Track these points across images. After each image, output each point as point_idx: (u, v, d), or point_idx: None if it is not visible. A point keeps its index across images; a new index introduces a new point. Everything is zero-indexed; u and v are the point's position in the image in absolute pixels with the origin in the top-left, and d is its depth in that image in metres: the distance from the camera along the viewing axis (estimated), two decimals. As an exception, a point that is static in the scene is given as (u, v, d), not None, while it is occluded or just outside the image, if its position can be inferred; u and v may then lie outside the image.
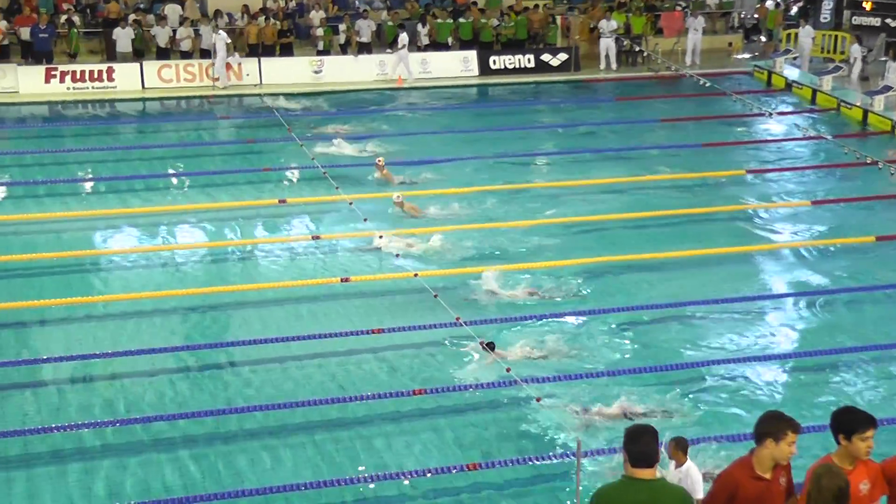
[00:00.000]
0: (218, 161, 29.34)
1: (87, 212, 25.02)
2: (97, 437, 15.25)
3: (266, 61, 38.40)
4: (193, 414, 15.78)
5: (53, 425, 15.41)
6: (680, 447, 12.42)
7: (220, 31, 37.01)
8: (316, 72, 38.68)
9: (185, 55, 38.36)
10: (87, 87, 36.74)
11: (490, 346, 17.21)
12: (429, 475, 14.23)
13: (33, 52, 37.18)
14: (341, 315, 19.45)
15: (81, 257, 22.26)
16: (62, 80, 36.61)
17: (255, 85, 37.70)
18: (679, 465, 12.36)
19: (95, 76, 36.89)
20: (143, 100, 36.28)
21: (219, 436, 15.35)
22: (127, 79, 37.01)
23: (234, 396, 16.54)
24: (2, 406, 16.22)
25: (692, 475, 12.22)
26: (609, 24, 40.58)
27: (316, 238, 22.96)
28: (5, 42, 37.47)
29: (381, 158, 26.84)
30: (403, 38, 38.67)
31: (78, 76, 36.73)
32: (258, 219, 24.62)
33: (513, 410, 15.94)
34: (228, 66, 37.27)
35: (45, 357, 17.78)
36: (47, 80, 36.50)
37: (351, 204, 24.60)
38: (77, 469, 14.57)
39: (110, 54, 38.11)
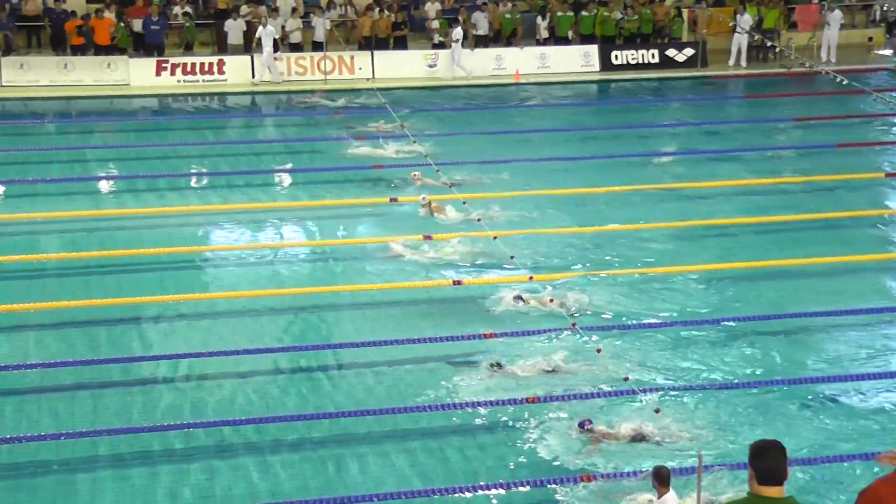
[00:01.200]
0: (327, 157, 28.27)
1: (189, 207, 24.33)
2: (187, 439, 14.66)
3: (379, 54, 37.36)
4: (284, 418, 15.08)
5: (144, 425, 14.90)
6: (656, 478, 12.04)
7: (268, 26, 35.88)
8: (430, 66, 37.51)
9: (296, 47, 37.51)
10: (198, 80, 36.12)
11: (498, 366, 16.27)
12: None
13: (144, 45, 36.69)
14: (452, 319, 18.31)
15: (180, 254, 21.50)
16: (173, 73, 36.03)
17: (368, 79, 36.67)
18: (659, 496, 11.97)
19: (206, 69, 36.25)
20: (253, 93, 35.51)
21: (309, 441, 14.65)
22: (237, 71, 36.32)
23: (324, 401, 15.72)
24: (96, 405, 15.57)
25: None
26: (744, 18, 38.66)
27: (427, 238, 21.76)
28: (118, 34, 37.00)
29: (416, 172, 25.10)
30: (457, 32, 37.15)
31: (189, 69, 36.12)
32: (368, 217, 23.51)
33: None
34: (278, 60, 36.17)
35: (139, 355, 17.12)
36: (158, 73, 35.95)
37: (465, 203, 23.40)
38: (167, 471, 13.99)
39: (221, 46, 37.45)
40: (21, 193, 25.20)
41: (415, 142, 28.41)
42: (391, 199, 24.32)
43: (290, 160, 28.05)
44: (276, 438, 14.66)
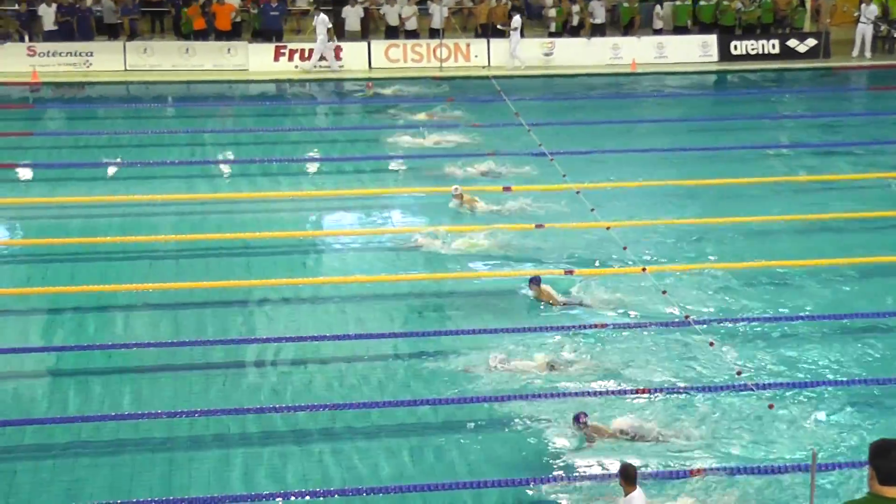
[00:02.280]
0: (444, 144, 28.21)
1: (302, 192, 24.53)
2: (286, 423, 14.72)
3: (495, 42, 37.25)
4: (359, 405, 15.02)
5: (246, 407, 14.93)
6: (623, 476, 11.81)
7: (321, 13, 35.83)
8: (546, 54, 37.31)
9: (412, 34, 37.62)
10: (313, 67, 36.38)
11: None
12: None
13: (263, 30, 37.14)
14: (560, 307, 18.19)
15: (293, 238, 21.74)
16: (290, 59, 36.42)
17: (483, 67, 36.59)
18: (625, 494, 11.73)
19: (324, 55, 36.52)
20: (370, 80, 35.66)
21: (384, 429, 14.56)
22: (354, 58, 36.58)
23: (444, 388, 15.54)
24: (204, 386, 15.68)
25: None
26: (869, 8, 37.66)
27: (539, 227, 21.62)
28: (238, 19, 37.54)
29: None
30: (516, 21, 36.73)
31: (306, 55, 36.46)
32: (481, 203, 23.37)
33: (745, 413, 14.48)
34: (338, 49, 36.08)
35: (249, 338, 17.25)
36: (276, 59, 36.38)
37: (578, 192, 23.18)
38: (241, 454, 13.99)
39: (339, 33, 37.72)
40: (141, 175, 25.69)
41: (529, 131, 28.25)
42: (504, 189, 24.21)
43: (401, 147, 28.03)
44: (349, 425, 14.63)
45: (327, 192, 24.56)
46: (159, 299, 18.64)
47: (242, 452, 13.97)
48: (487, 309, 18.25)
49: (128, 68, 35.62)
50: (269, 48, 36.56)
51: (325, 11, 38.39)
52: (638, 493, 11.77)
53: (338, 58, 36.21)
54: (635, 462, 12.71)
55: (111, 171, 26.30)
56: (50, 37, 35.76)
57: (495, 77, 35.17)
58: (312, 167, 26.89)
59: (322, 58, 36.01)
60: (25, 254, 21.22)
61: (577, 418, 13.85)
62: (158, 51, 36.06)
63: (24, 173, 26.31)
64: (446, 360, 16.27)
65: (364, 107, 32.96)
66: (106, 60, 35.60)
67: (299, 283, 19.36)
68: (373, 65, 36.61)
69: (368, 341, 17.00)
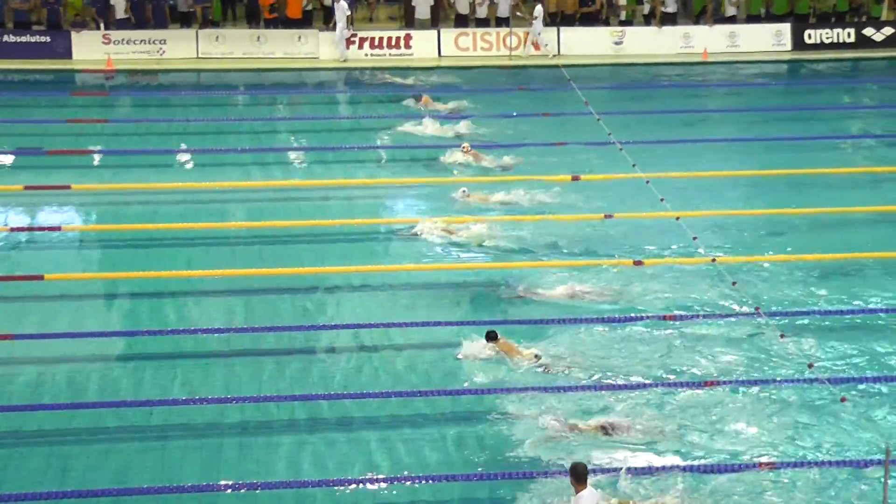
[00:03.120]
0: (512, 134, 28.14)
1: (372, 180, 24.66)
2: (332, 410, 14.81)
3: (565, 31, 37.08)
4: (404, 393, 15.11)
5: (269, 394, 15.08)
6: (573, 475, 11.60)
7: (341, 2, 35.70)
8: (617, 43, 37.05)
9: (482, 23, 37.56)
10: (385, 55, 36.53)
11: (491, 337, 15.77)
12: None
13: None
14: (629, 298, 18.09)
15: (365, 225, 21.86)
16: (360, 47, 36.54)
17: (553, 55, 36.44)
18: (576, 492, 11.54)
19: (393, 43, 36.64)
20: (438, 68, 35.69)
21: (429, 417, 14.62)
22: (424, 46, 36.60)
23: (450, 379, 15.57)
24: (278, 371, 15.85)
25: None
26: (949, -4, 37.03)
27: (608, 217, 21.51)
28: (308, 7, 37.73)
29: (466, 144, 24.08)
30: (538, 10, 36.38)
31: (376, 43, 36.57)
32: (548, 195, 23.29)
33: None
34: (351, 38, 35.97)
35: (320, 324, 17.43)
36: (346, 47, 36.46)
37: (648, 182, 23.03)
38: (288, 440, 14.08)
39: (409, 21, 37.76)
40: (212, 163, 25.94)
41: (599, 120, 28.11)
42: (573, 177, 24.11)
43: (472, 135, 27.97)
44: (395, 414, 14.67)
45: (397, 180, 24.60)
46: (224, 285, 18.83)
47: (289, 440, 14.07)
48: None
49: (200, 56, 35.96)
50: (339, 36, 36.67)
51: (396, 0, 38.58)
52: (588, 492, 11.56)
53: (348, 47, 36.26)
54: (699, 452, 12.61)
55: (183, 158, 26.58)
56: (124, 25, 36.18)
57: (565, 66, 35.01)
58: (380, 155, 26.83)
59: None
60: (98, 239, 21.52)
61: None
62: (230, 39, 36.35)
63: (98, 160, 26.68)
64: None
65: (431, 95, 32.92)
66: (179, 48, 35.97)
67: (353, 270, 19.45)
68: (442, 53, 36.60)
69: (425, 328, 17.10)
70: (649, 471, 13.01)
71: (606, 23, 38.01)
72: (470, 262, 19.78)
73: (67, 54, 35.50)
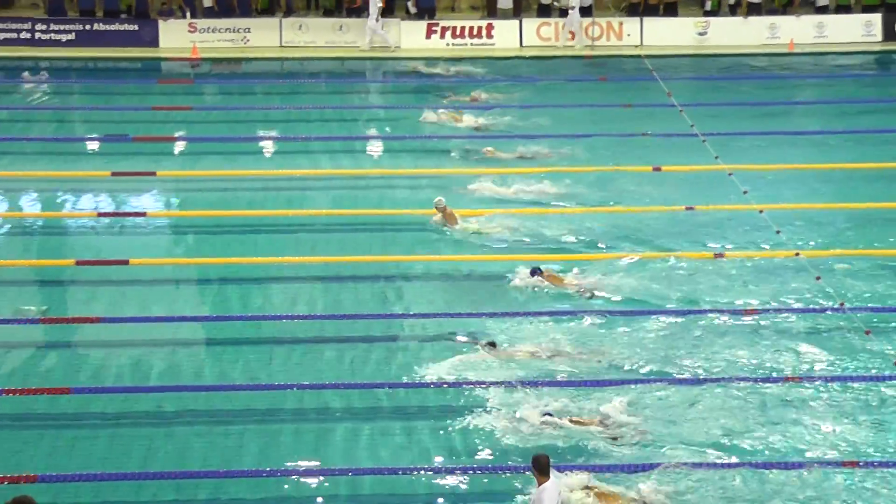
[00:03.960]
0: (593, 125, 27.98)
1: (450, 170, 24.59)
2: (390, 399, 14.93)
3: (648, 21, 36.76)
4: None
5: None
6: (535, 467, 11.47)
7: None
8: (701, 34, 36.64)
9: (565, 13, 37.36)
10: (466, 44, 36.52)
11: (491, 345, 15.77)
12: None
13: (418, 8, 37.33)
14: (709, 292, 17.89)
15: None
16: (442, 36, 36.58)
17: (636, 46, 36.18)
18: (538, 484, 11.42)
19: (475, 32, 36.62)
20: (519, 58, 35.59)
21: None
22: (506, 36, 36.53)
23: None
24: (336, 358, 15.91)
25: (540, 500, 11.28)
26: None
27: (690, 209, 21.32)
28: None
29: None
30: None
31: (458, 32, 36.58)
32: (629, 185, 23.14)
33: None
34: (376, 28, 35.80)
35: (383, 313, 17.56)
36: (428, 36, 36.57)
37: (730, 174, 22.79)
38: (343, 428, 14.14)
39: (491, 10, 37.72)
40: (295, 150, 26.16)
41: (681, 111, 27.87)
42: (654, 169, 23.93)
43: (563, 125, 27.84)
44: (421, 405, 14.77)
45: (471, 170, 24.55)
46: (300, 272, 19.02)
47: (344, 426, 14.19)
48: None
49: (283, 44, 36.26)
50: (421, 26, 36.77)
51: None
52: (550, 484, 11.47)
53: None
54: (767, 450, 12.45)
55: (265, 145, 26.83)
56: (209, 14, 36.61)
57: (648, 56, 34.73)
58: (455, 144, 26.72)
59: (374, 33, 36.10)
60: (182, 224, 21.81)
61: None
62: (313, 27, 36.59)
63: (183, 146, 27.04)
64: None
65: (510, 84, 32.82)
66: (262, 37, 36.30)
67: (433, 259, 19.54)
68: (524, 43, 36.50)
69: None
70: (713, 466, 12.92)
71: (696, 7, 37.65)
72: (547, 253, 19.70)
73: (154, 43, 36.03)
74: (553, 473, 11.61)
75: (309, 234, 20.79)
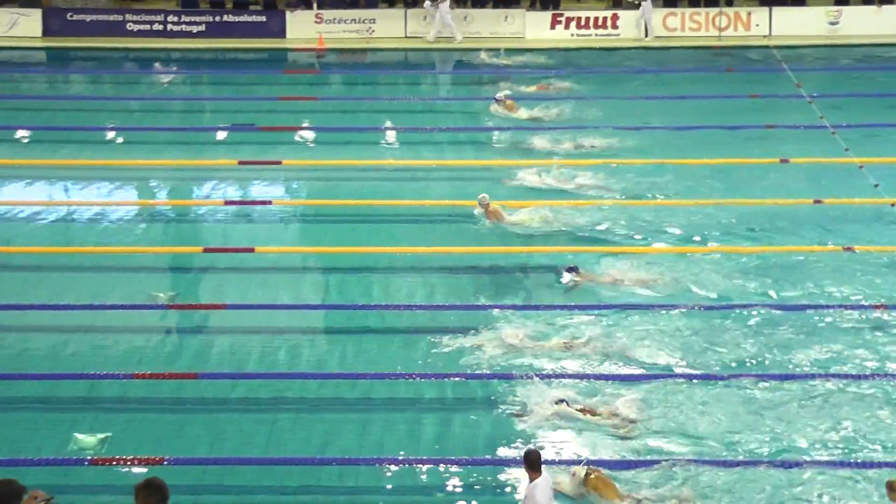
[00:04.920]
0: (719, 116, 27.53)
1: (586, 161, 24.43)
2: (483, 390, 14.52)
3: (778, 11, 36.00)
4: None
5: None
6: (527, 462, 11.53)
7: None
8: (832, 23, 35.76)
9: (692, 2, 36.86)
10: (591, 35, 36.23)
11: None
12: None
13: (542, -2, 37.26)
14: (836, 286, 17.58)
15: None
16: (567, 27, 36.35)
17: (764, 36, 35.48)
18: (530, 480, 11.42)
19: (600, 23, 36.32)
20: (645, 49, 35.16)
21: None
22: (631, 27, 36.11)
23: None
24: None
25: (532, 495, 11.24)
26: None
27: (818, 202, 20.87)
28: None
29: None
30: None
31: (583, 23, 36.31)
32: (754, 177, 22.72)
33: None
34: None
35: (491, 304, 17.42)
36: (552, 27, 36.37)
37: (861, 167, 22.23)
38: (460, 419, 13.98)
39: (616, 1, 37.37)
40: (419, 141, 26.26)
41: (810, 102, 27.27)
42: (781, 160, 23.47)
43: (688, 116, 27.48)
44: (458, 396, 14.79)
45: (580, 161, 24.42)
46: (420, 262, 19.19)
47: (433, 417, 14.32)
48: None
49: (408, 35, 36.44)
50: (545, 16, 36.59)
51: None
52: (542, 479, 11.42)
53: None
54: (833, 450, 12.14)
55: (389, 136, 26.99)
56: (336, 4, 36.97)
57: (777, 47, 34.04)
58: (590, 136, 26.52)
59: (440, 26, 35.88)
60: (307, 213, 22.10)
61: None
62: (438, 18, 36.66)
63: (308, 136, 27.36)
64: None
65: (635, 76, 32.43)
66: (387, 27, 36.53)
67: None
68: (650, 33, 36.05)
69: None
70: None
71: None
72: (669, 245, 19.50)
73: (281, 33, 36.53)
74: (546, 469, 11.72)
75: (431, 224, 20.87)
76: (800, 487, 12.45)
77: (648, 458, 13.06)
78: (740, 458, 13.05)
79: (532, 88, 29.87)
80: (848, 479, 12.51)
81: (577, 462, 12.65)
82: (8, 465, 12.45)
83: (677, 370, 15.13)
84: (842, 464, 12.83)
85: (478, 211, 20.76)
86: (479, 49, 34.78)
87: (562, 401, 13.86)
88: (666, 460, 12.86)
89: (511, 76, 31.88)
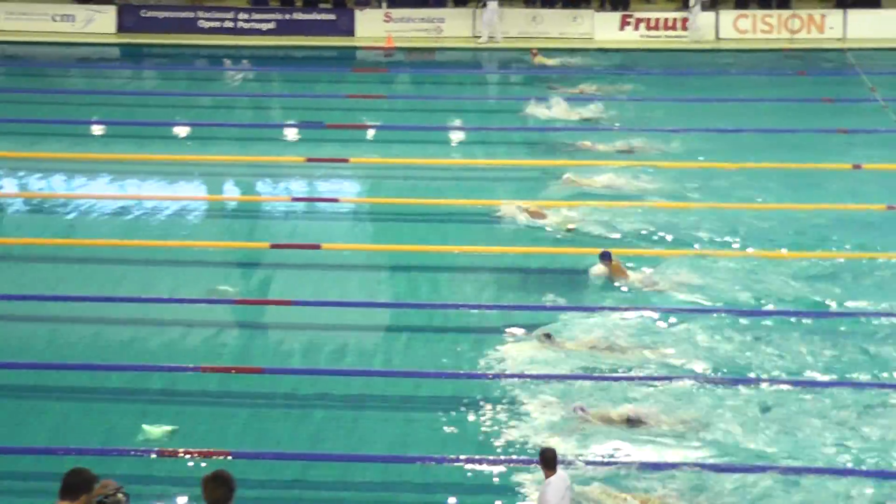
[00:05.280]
0: (790, 119, 27.23)
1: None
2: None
3: (853, 13, 35.53)
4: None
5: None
6: (541, 460, 11.43)
7: None
8: (910, 25, 35.22)
9: (763, 4, 36.47)
10: (660, 36, 36.03)
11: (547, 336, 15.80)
12: None
13: (612, -1, 37.12)
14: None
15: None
16: (636, 28, 36.18)
17: (838, 39, 35.04)
18: (546, 478, 11.31)
19: (670, 25, 36.09)
20: (715, 51, 34.86)
21: None
22: (702, 29, 35.80)
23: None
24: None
25: (544, 493, 11.11)
26: None
27: (891, 208, 20.56)
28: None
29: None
30: None
31: (652, 24, 36.11)
32: (825, 181, 22.43)
33: None
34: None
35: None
36: (622, 28, 36.22)
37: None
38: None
39: (686, 2, 37.11)
40: (483, 140, 26.25)
41: (885, 106, 26.87)
42: (854, 166, 23.15)
43: (758, 119, 27.21)
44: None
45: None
46: (495, 262, 19.12)
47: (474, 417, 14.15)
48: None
49: (476, 35, 36.44)
50: (615, 17, 36.46)
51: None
52: (556, 477, 11.27)
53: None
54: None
55: (455, 135, 27.00)
56: (405, 3, 37.05)
57: (851, 50, 33.57)
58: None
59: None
60: (372, 211, 22.16)
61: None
62: (507, 17, 36.64)
63: (375, 134, 27.47)
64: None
65: (711, 80, 32.13)
66: (455, 27, 36.60)
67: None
68: (720, 35, 35.79)
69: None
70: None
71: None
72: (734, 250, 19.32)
73: (350, 32, 36.74)
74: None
75: (497, 225, 20.82)
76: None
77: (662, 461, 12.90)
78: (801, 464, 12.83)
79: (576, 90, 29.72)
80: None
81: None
82: (78, 454, 12.61)
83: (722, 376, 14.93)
84: None
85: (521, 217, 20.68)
86: (547, 49, 34.65)
87: (581, 409, 13.74)
88: (681, 464, 12.73)
89: (574, 75, 31.69)
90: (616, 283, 17.67)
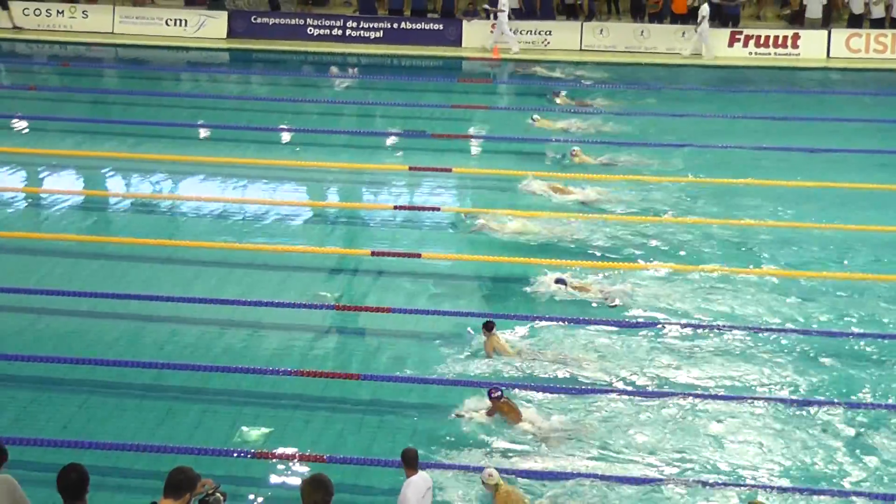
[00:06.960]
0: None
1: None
2: None
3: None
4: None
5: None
6: (403, 460, 11.58)
7: None
8: None
9: (877, 23, 35.76)
10: (770, 53, 35.54)
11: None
12: None
13: (721, 15, 36.61)
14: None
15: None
16: (745, 45, 35.73)
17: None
18: (407, 477, 11.43)
19: (780, 42, 35.59)
20: (828, 69, 34.25)
21: None
22: (812, 46, 35.32)
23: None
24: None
25: (405, 493, 11.23)
26: None
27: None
28: (695, 4, 37.18)
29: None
30: (704, 9, 34.19)
31: (762, 41, 35.64)
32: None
33: None
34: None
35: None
36: (731, 44, 35.81)
37: None
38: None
39: (798, 19, 36.56)
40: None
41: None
42: None
43: (862, 140, 26.77)
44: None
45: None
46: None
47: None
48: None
49: (583, 48, 36.31)
50: (723, 33, 36.00)
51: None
52: (417, 477, 11.31)
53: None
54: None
55: (551, 149, 26.65)
56: (513, 14, 36.99)
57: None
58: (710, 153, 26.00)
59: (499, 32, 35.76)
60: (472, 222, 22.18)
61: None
62: (614, 32, 36.47)
63: (478, 145, 27.49)
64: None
65: (818, 99, 31.61)
66: (563, 40, 36.50)
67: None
68: (831, 54, 35.18)
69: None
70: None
71: None
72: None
73: (458, 42, 36.86)
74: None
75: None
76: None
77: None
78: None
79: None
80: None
81: None
82: (179, 454, 12.83)
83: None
84: None
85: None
86: (652, 65, 34.40)
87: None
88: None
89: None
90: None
